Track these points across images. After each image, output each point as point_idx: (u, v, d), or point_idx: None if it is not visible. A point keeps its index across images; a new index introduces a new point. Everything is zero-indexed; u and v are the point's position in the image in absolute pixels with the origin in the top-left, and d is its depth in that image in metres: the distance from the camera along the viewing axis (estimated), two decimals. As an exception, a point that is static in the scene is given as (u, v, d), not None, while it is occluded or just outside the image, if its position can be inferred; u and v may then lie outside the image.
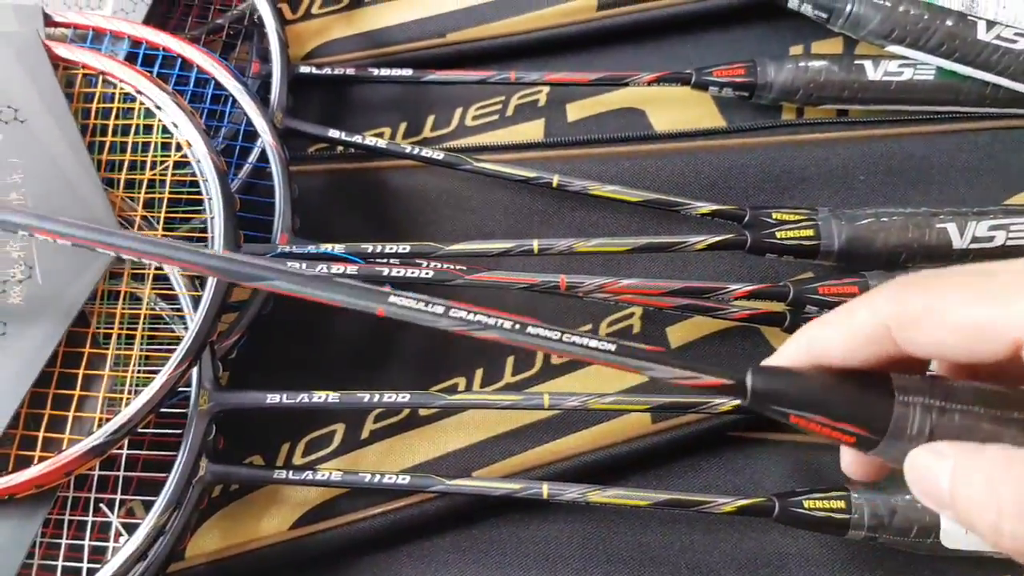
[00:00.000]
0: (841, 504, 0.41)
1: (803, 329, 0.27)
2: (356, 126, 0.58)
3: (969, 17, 0.50)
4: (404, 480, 0.44)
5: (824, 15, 0.52)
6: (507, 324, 0.29)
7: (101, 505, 0.44)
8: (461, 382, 0.51)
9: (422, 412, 0.50)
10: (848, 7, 0.51)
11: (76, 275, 0.44)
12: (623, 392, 0.49)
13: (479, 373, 0.51)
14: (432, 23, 0.60)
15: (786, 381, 0.27)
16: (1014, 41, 0.50)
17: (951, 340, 0.24)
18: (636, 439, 0.48)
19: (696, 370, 0.28)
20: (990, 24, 0.50)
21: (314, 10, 0.61)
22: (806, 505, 0.42)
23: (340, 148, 0.56)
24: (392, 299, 0.30)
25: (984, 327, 0.23)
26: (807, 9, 0.53)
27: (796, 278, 0.46)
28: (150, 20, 0.53)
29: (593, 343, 0.29)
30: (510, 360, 0.51)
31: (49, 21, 0.50)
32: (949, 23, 0.50)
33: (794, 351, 0.27)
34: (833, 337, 0.26)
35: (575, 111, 0.58)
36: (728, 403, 0.43)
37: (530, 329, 0.29)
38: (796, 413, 0.26)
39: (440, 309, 0.30)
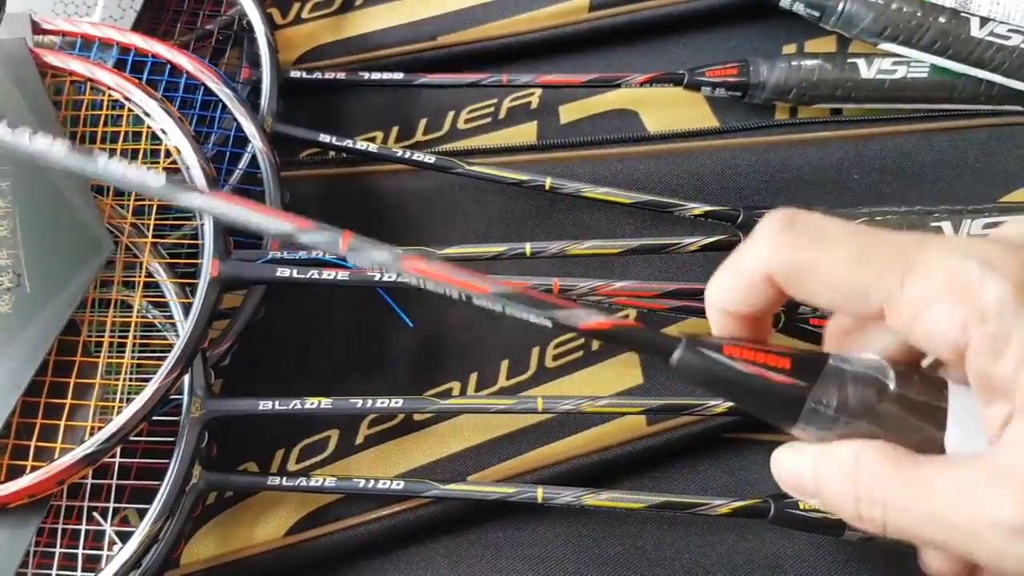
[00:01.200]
0: (837, 506, 0.41)
1: (709, 282, 0.28)
2: (348, 130, 0.58)
3: (962, 14, 0.50)
4: (398, 486, 0.44)
5: (816, 14, 0.52)
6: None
7: (95, 514, 0.44)
8: (456, 386, 0.50)
9: (417, 417, 0.49)
10: (840, 5, 0.51)
11: (66, 283, 0.44)
12: (618, 395, 0.49)
13: (473, 377, 0.51)
14: (423, 26, 0.60)
15: (711, 362, 0.27)
16: (1007, 37, 0.49)
17: (826, 296, 0.25)
18: (632, 441, 0.48)
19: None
20: (983, 20, 0.50)
21: (304, 15, 0.61)
22: (802, 506, 0.41)
23: (332, 153, 0.56)
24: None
25: (857, 292, 0.24)
26: (799, 8, 0.53)
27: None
28: (139, 27, 0.53)
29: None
30: (504, 364, 0.51)
31: (37, 29, 0.50)
32: (942, 20, 0.50)
33: (708, 307, 0.28)
34: (726, 286, 0.27)
35: (568, 113, 0.58)
36: (721, 405, 0.43)
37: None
38: (716, 391, 0.27)
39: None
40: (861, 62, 0.52)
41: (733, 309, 0.27)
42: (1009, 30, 0.49)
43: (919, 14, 0.50)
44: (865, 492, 0.25)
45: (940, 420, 0.25)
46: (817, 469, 0.27)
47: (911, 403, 0.26)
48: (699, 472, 0.48)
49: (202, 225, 0.45)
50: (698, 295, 0.45)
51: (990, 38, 0.49)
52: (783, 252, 0.25)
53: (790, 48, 0.57)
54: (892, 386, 0.26)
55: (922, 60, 0.51)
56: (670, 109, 0.56)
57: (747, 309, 0.27)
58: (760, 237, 0.26)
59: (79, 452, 0.41)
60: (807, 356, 0.27)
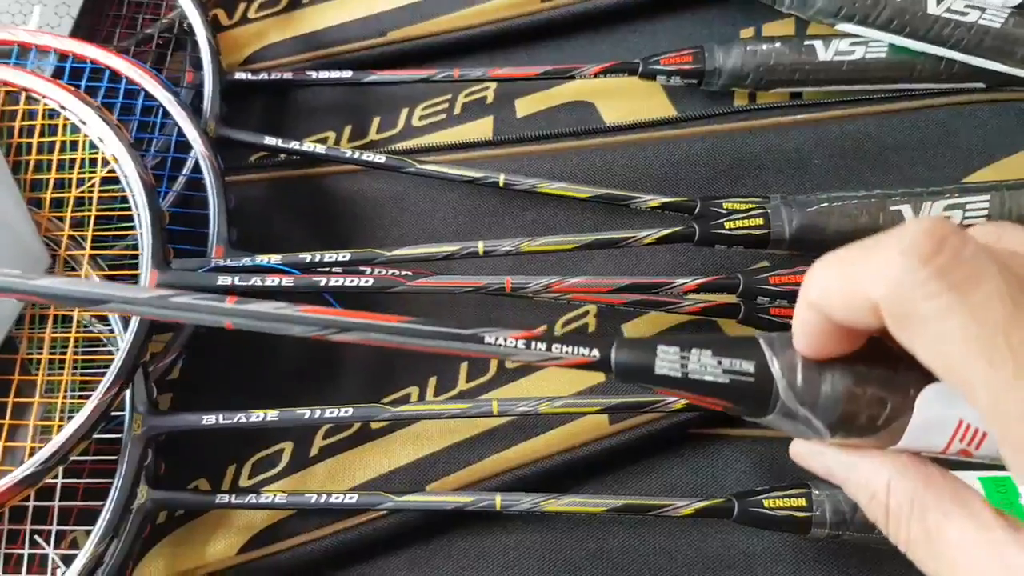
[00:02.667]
0: (802, 502, 0.40)
1: (814, 266, 0.25)
2: (300, 131, 0.57)
3: (919, -10, 0.49)
4: (352, 499, 0.42)
5: (771, -5, 0.51)
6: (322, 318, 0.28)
7: (36, 538, 0.43)
8: (414, 391, 0.49)
9: (373, 425, 0.48)
10: (794, -14, 0.50)
11: (2, 299, 0.43)
12: (579, 394, 0.47)
13: (432, 382, 0.49)
14: (373, 22, 0.58)
15: (648, 356, 0.26)
16: (965, 13, 0.48)
17: (843, 311, 0.23)
18: (595, 442, 0.47)
19: (560, 350, 0.27)
20: (940, -3, 0.48)
21: (251, 14, 0.59)
22: (766, 504, 0.40)
23: (281, 156, 0.55)
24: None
25: (852, 294, 0.22)
26: (753, -10, 0.51)
27: (749, 269, 0.45)
28: (77, 33, 0.52)
29: (429, 327, 0.27)
30: (464, 367, 0.49)
31: (-31, 38, 0.49)
32: (898, -2, 0.49)
33: (800, 295, 0.25)
34: (826, 286, 0.24)
35: (524, 107, 0.57)
36: (680, 401, 0.42)
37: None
38: (659, 387, 0.26)
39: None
40: (818, 44, 0.51)
41: (828, 312, 0.23)
42: (966, 6, 0.48)
43: (875, -8, 0.49)
44: (893, 527, 0.25)
45: (910, 387, 0.24)
46: (847, 480, 0.26)
47: (880, 379, 0.24)
48: (664, 471, 0.47)
49: (140, 234, 0.44)
50: (655, 288, 0.44)
51: (947, 15, 0.48)
52: (904, 291, 0.21)
53: (748, 32, 0.56)
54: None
55: (880, 40, 0.50)
56: (627, 100, 0.55)
57: (841, 319, 0.23)
58: (890, 254, 0.21)
59: (17, 474, 0.39)
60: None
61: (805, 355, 0.25)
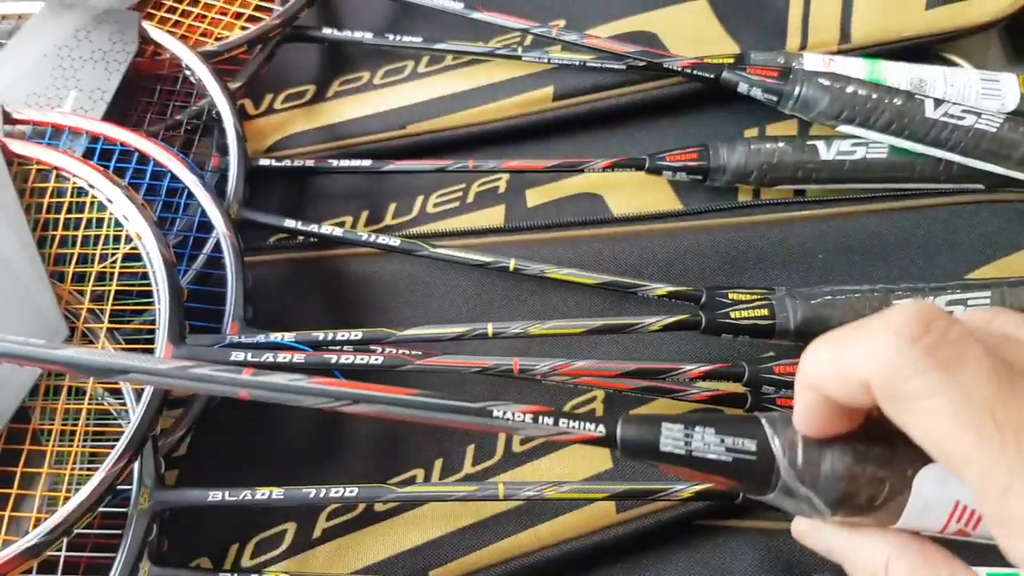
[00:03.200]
0: (810, 595, 0.39)
1: (810, 347, 0.26)
2: (318, 216, 0.58)
3: (917, 96, 0.51)
4: (352, 582, 0.42)
5: (774, 98, 0.53)
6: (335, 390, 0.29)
7: (36, 614, 0.42)
8: (420, 473, 0.49)
9: (378, 507, 0.48)
10: (796, 90, 0.52)
11: (17, 370, 0.43)
12: (584, 481, 0.47)
13: (438, 464, 0.49)
14: (392, 116, 0.61)
15: (653, 433, 0.26)
16: (962, 118, 0.50)
17: (838, 390, 0.23)
18: (601, 530, 0.46)
19: (567, 425, 0.27)
20: (937, 102, 0.51)
21: (276, 105, 0.62)
22: (773, 597, 0.39)
23: (300, 238, 0.56)
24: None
25: (845, 372, 0.23)
26: (757, 93, 0.54)
27: (754, 357, 0.45)
28: (110, 116, 0.54)
29: (438, 400, 0.28)
30: (470, 449, 0.49)
31: (8, 119, 0.51)
32: (897, 102, 0.51)
33: (797, 377, 0.26)
34: (820, 363, 0.25)
35: (535, 197, 0.58)
36: (688, 489, 0.42)
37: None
38: (663, 463, 0.26)
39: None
40: (820, 144, 0.53)
41: (824, 391, 0.24)
42: (963, 111, 0.50)
43: (874, 96, 0.51)
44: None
45: (907, 467, 0.25)
46: (846, 558, 0.26)
47: (878, 458, 0.25)
48: (672, 562, 0.46)
49: (159, 309, 0.45)
50: (661, 374, 0.44)
51: (945, 119, 0.50)
52: (894, 369, 0.22)
53: (752, 132, 0.58)
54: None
55: (880, 141, 0.52)
56: (634, 193, 0.57)
57: (836, 397, 0.24)
58: (879, 335, 0.22)
59: (21, 544, 0.39)
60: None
61: (805, 434, 0.25)
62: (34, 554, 0.39)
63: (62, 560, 0.43)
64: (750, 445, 0.26)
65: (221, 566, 0.46)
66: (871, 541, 0.25)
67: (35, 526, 0.40)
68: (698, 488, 0.42)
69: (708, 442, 0.26)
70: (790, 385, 0.43)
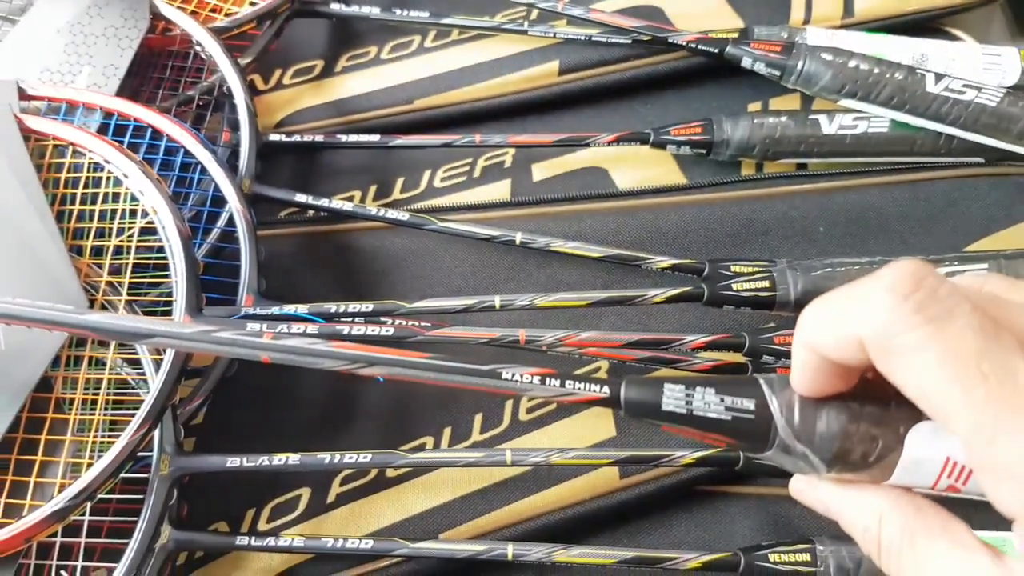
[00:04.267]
0: (807, 557, 0.40)
1: (808, 307, 0.27)
2: (327, 190, 0.59)
3: (918, 70, 0.52)
4: (367, 544, 0.43)
5: (777, 72, 0.54)
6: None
7: (63, 573, 0.44)
8: (429, 441, 0.50)
9: (389, 473, 0.49)
10: (799, 64, 0.53)
11: (40, 340, 0.45)
12: (589, 447, 0.49)
13: (447, 432, 0.51)
14: (399, 91, 0.62)
15: (655, 393, 0.27)
16: (962, 92, 0.51)
17: (833, 349, 0.24)
18: (605, 495, 0.48)
19: (573, 386, 0.28)
20: (939, 76, 0.51)
21: (286, 80, 0.63)
22: (771, 559, 0.41)
23: (310, 212, 0.57)
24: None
25: (841, 331, 0.24)
26: (760, 67, 0.54)
27: (755, 328, 0.46)
28: (123, 92, 0.55)
29: (449, 363, 0.30)
30: (478, 417, 0.51)
31: (23, 95, 0.52)
32: (899, 76, 0.51)
33: (795, 336, 0.27)
34: (819, 323, 0.26)
35: (540, 171, 0.59)
36: (689, 455, 0.43)
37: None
38: (665, 423, 0.27)
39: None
40: (823, 118, 0.53)
41: (820, 350, 0.25)
42: (964, 85, 0.51)
43: (876, 71, 0.52)
44: (885, 559, 0.26)
45: (900, 425, 0.26)
46: (842, 514, 0.27)
47: (872, 417, 0.26)
48: (674, 526, 0.48)
49: (176, 282, 0.46)
50: (664, 344, 0.45)
51: (946, 93, 0.51)
52: (886, 325, 0.22)
53: (755, 106, 0.59)
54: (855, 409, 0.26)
55: (881, 115, 0.53)
56: (638, 167, 0.58)
57: (834, 356, 0.25)
58: (872, 293, 0.23)
59: (47, 508, 0.40)
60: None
61: (802, 394, 0.27)
62: (60, 518, 0.40)
63: (86, 524, 0.44)
64: (749, 404, 0.27)
65: (238, 530, 0.48)
66: (866, 496, 0.26)
67: (60, 491, 0.42)
68: (699, 454, 0.44)
69: (708, 401, 0.27)
70: (789, 355, 0.44)
